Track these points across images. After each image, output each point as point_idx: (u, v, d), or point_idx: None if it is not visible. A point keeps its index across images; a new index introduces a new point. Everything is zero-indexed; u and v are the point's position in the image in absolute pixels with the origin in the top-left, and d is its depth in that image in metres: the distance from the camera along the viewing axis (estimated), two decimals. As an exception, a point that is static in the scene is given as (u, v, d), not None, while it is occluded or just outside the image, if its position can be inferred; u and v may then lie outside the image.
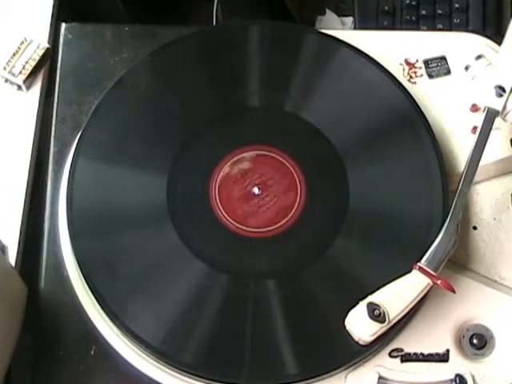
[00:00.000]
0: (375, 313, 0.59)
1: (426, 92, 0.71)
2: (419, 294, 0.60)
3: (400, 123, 0.69)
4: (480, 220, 0.67)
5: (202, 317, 0.62)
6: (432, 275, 0.60)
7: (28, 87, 0.73)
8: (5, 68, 0.72)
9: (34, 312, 0.65)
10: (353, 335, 0.60)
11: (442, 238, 0.61)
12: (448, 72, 0.72)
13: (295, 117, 0.69)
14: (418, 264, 0.60)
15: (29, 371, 0.63)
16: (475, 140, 0.64)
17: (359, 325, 0.59)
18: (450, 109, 0.70)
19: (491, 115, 0.65)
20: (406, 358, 0.62)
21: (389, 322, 0.59)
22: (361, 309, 0.59)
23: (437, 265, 0.60)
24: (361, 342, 0.60)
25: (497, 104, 0.65)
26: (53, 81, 0.73)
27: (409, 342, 0.63)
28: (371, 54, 0.70)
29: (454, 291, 0.60)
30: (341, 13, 0.95)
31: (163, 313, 0.62)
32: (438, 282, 0.60)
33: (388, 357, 0.62)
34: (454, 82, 0.71)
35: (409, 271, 0.61)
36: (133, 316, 0.62)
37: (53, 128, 0.71)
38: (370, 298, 0.59)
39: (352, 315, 0.59)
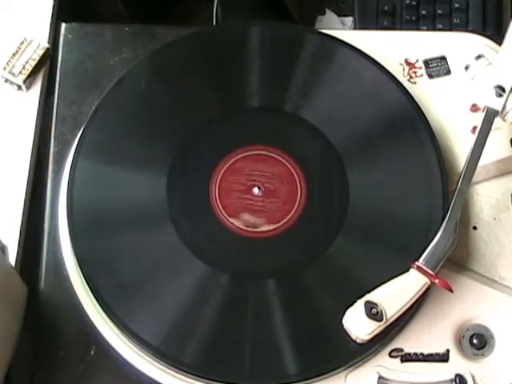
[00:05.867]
0: (373, 311, 0.59)
1: (425, 92, 0.71)
2: (417, 293, 0.60)
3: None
4: (480, 220, 0.67)
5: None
6: (430, 274, 0.60)
7: (28, 87, 0.73)
8: (5, 68, 0.72)
9: (34, 312, 0.65)
10: (350, 334, 0.60)
11: (440, 237, 0.61)
12: (448, 72, 0.72)
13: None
14: (416, 263, 0.60)
15: (29, 371, 0.63)
16: (474, 139, 0.64)
17: (357, 323, 0.59)
18: (449, 109, 0.70)
19: (491, 115, 0.65)
20: (406, 358, 0.62)
21: (386, 320, 0.59)
22: (358, 307, 0.59)
23: (435, 264, 0.60)
24: (358, 341, 0.60)
25: (496, 104, 0.65)
26: (53, 81, 0.73)
27: (409, 342, 0.63)
28: (371, 54, 0.70)
29: (451, 290, 0.60)
30: (341, 13, 0.96)
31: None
32: (436, 281, 0.60)
33: (388, 357, 0.62)
34: (453, 82, 0.71)
35: (407, 270, 0.61)
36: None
37: (53, 128, 0.71)
38: (368, 297, 0.60)
39: (349, 314, 0.60)
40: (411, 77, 0.72)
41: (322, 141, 0.68)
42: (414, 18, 0.88)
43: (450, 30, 0.86)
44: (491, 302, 0.64)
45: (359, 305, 0.59)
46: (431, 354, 0.62)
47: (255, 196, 0.66)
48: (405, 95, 0.69)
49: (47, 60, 0.74)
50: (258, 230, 0.65)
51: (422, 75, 0.72)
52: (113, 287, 0.62)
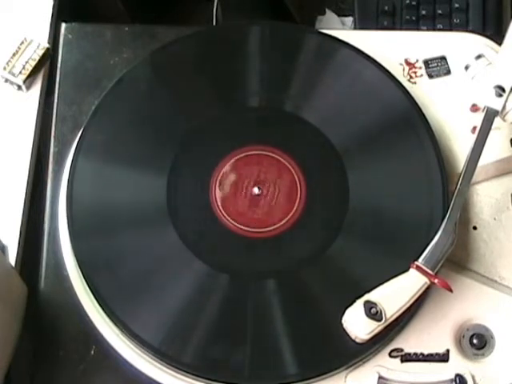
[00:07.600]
0: (372, 311, 0.59)
1: (425, 92, 0.71)
2: (416, 292, 0.60)
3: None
4: (480, 220, 0.67)
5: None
6: (429, 274, 0.60)
7: (28, 87, 0.73)
8: (5, 68, 0.72)
9: (34, 312, 0.65)
10: (349, 333, 0.60)
11: (439, 237, 0.61)
12: (448, 72, 0.72)
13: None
14: (416, 263, 0.60)
15: (29, 371, 0.64)
16: (474, 139, 0.64)
17: (356, 323, 0.59)
18: (449, 109, 0.70)
19: (491, 115, 0.65)
20: (406, 357, 0.62)
21: (385, 320, 0.59)
22: (358, 307, 0.59)
23: (434, 264, 0.60)
24: (357, 341, 0.60)
25: (496, 104, 0.65)
26: (53, 81, 0.73)
27: (409, 341, 0.63)
28: (371, 54, 0.70)
29: (451, 290, 0.60)
30: (341, 13, 0.96)
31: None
32: (435, 280, 0.60)
33: (388, 357, 0.62)
34: (453, 82, 0.71)
35: (406, 270, 0.61)
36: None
37: (53, 128, 0.71)
38: (367, 297, 0.60)
39: (349, 313, 0.60)
40: (411, 77, 0.72)
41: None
42: (414, 18, 0.88)
43: (450, 30, 0.86)
44: (491, 302, 0.64)
45: (359, 304, 0.59)
46: (431, 354, 0.62)
47: (255, 196, 0.66)
48: (405, 95, 0.69)
49: (47, 60, 0.74)
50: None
51: (421, 75, 0.72)
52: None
